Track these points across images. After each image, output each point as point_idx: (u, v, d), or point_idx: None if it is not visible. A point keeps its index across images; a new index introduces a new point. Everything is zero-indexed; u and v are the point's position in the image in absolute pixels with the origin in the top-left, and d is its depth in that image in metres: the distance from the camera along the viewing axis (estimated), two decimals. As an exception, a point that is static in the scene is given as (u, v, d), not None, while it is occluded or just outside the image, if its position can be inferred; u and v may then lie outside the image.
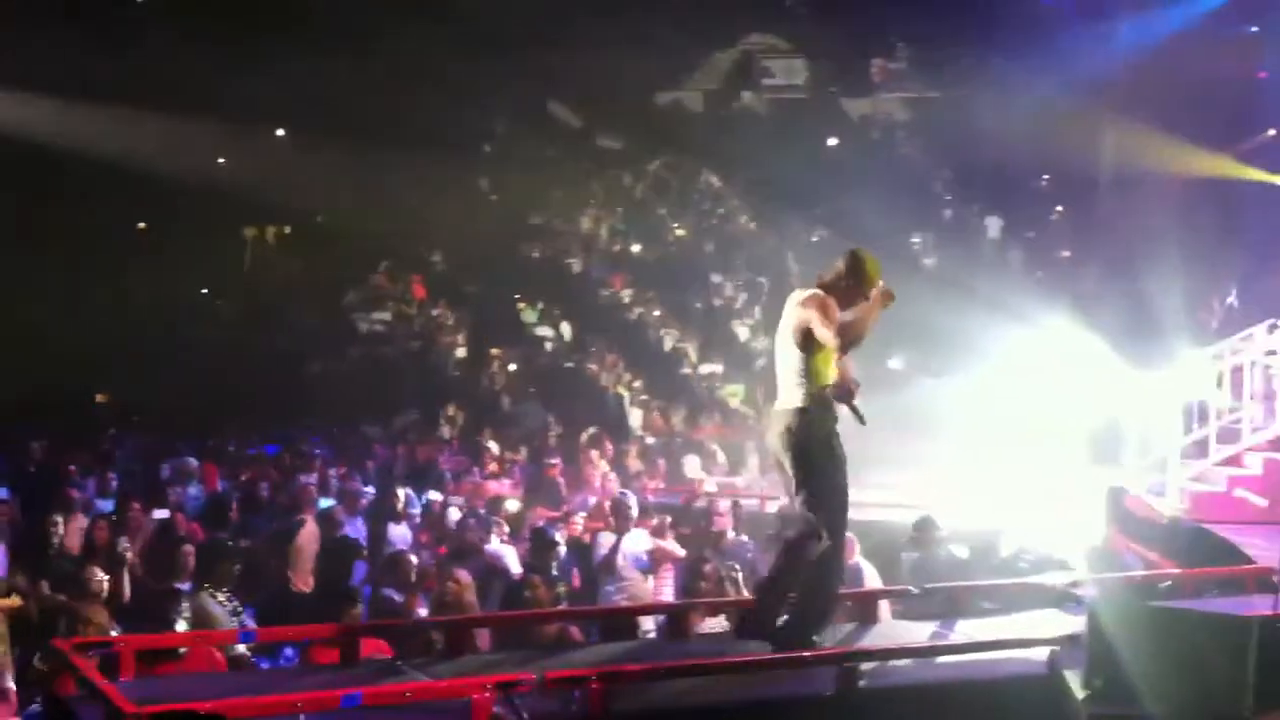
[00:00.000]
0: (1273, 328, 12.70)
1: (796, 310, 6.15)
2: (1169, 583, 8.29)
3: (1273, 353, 12.37)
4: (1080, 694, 5.24)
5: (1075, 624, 6.42)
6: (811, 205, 21.71)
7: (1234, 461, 12.06)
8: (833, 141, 24.36)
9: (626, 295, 23.56)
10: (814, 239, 23.77)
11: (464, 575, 9.08)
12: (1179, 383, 12.32)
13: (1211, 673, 4.92)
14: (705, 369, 21.98)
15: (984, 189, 22.24)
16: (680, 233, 25.56)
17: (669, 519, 11.74)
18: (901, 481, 16.44)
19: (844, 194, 20.31)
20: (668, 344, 22.65)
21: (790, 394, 6.12)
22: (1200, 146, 18.95)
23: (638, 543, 10.68)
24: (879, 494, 15.34)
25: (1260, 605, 6.81)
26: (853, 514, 13.46)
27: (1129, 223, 18.84)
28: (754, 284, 23.41)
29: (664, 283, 23.56)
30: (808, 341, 6.07)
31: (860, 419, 6.13)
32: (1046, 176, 22.43)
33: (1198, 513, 11.28)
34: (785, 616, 6.28)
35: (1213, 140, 19.02)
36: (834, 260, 6.36)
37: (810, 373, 6.09)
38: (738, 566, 9.89)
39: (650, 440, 18.85)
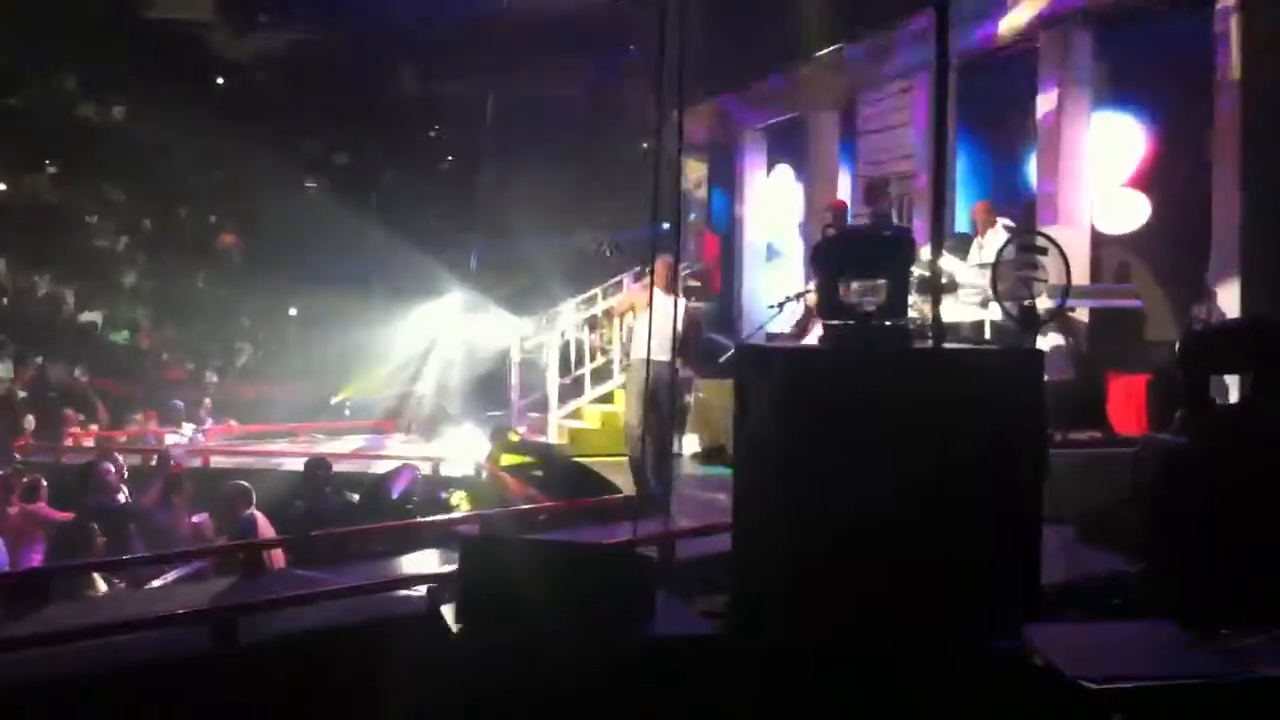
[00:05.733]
0: (637, 275, 13.82)
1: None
2: (544, 516, 8.79)
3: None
4: (455, 628, 5.37)
5: (454, 560, 6.61)
6: (198, 145, 20.47)
7: (606, 399, 13.03)
8: (220, 80, 23.17)
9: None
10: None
11: None
12: (556, 328, 13.09)
13: (578, 598, 5.21)
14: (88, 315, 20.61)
15: (378, 135, 22.09)
16: (52, 171, 23.34)
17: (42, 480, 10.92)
18: (300, 428, 16.30)
19: (231, 134, 19.39)
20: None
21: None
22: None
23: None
24: (277, 442, 15.13)
25: (621, 532, 7.40)
26: (245, 463, 13.16)
27: (513, 172, 19.60)
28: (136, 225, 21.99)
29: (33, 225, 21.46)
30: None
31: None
32: (437, 127, 22.76)
33: (575, 447, 12.07)
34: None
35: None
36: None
37: None
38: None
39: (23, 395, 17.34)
